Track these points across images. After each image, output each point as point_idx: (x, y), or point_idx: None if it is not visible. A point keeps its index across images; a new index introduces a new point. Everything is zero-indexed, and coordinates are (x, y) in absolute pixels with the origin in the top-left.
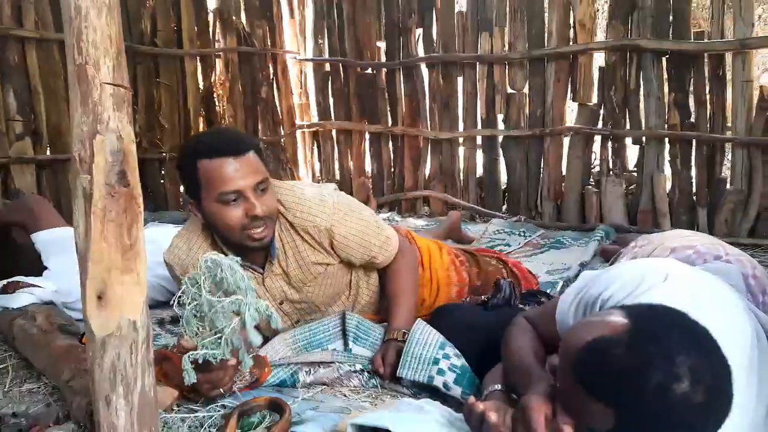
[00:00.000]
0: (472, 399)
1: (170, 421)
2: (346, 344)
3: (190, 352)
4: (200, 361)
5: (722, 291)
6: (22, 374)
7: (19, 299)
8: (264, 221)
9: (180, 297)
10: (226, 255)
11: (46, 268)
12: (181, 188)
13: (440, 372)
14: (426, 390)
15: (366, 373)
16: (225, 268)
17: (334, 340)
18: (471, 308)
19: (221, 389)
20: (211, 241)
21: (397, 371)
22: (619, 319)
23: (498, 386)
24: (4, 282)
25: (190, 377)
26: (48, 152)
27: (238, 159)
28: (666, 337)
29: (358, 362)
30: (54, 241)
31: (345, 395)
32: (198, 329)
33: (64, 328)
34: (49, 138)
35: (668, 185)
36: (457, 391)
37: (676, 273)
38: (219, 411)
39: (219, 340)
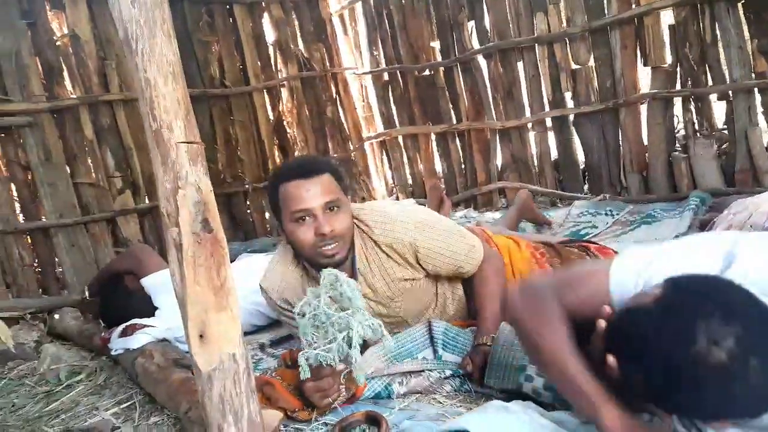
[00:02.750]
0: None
1: None
2: (435, 351)
3: (305, 350)
4: (312, 363)
5: None
6: (148, 408)
7: (138, 340)
8: (335, 240)
9: (301, 306)
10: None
11: (156, 308)
12: (267, 215)
13: (528, 378)
14: (520, 396)
15: (457, 379)
16: (343, 282)
17: (423, 348)
18: None
19: (329, 398)
20: (302, 265)
21: (485, 379)
22: (654, 291)
23: None
24: (124, 326)
25: (305, 373)
26: (146, 200)
27: (310, 180)
28: (689, 305)
29: (448, 368)
30: (161, 283)
31: (440, 402)
32: (313, 338)
33: (179, 363)
34: (145, 188)
35: (765, 139)
36: (548, 396)
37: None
38: (322, 429)
39: (331, 346)
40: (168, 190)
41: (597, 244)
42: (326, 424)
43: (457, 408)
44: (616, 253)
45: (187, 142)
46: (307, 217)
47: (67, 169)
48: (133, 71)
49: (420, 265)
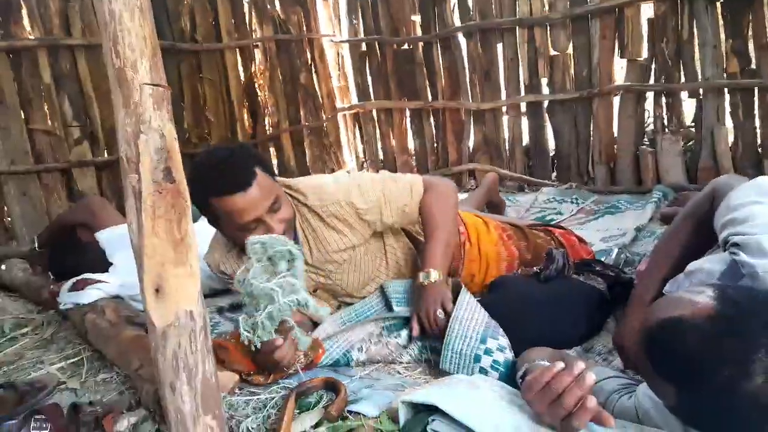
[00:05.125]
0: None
1: (235, 403)
2: (390, 309)
3: (243, 322)
4: (247, 344)
5: None
6: (96, 365)
7: (89, 295)
8: (284, 232)
9: (236, 278)
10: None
11: (111, 264)
12: None
13: (482, 371)
14: None
15: (415, 347)
16: (275, 243)
17: (379, 312)
18: (525, 280)
19: (284, 367)
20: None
21: (440, 365)
22: (706, 300)
23: (544, 361)
24: (74, 280)
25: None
26: (105, 154)
27: (247, 192)
28: (750, 331)
29: (401, 316)
30: (116, 238)
31: (399, 372)
32: (253, 309)
33: (131, 320)
34: (105, 140)
35: (731, 139)
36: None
37: None
38: (279, 393)
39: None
40: (129, 134)
41: (563, 228)
42: (285, 388)
43: (415, 379)
44: (579, 239)
45: (153, 84)
46: (253, 224)
47: (22, 114)
48: (97, 3)
49: (365, 221)
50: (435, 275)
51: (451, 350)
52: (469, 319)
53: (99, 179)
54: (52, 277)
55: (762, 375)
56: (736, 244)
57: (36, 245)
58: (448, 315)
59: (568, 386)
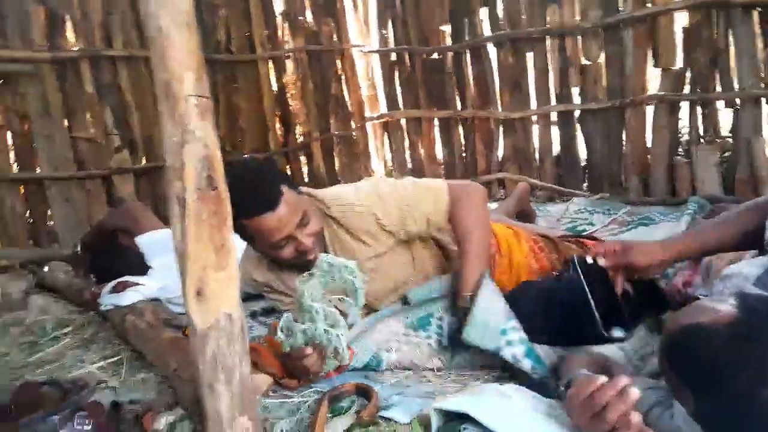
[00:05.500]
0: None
1: (270, 405)
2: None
3: (280, 324)
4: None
5: None
6: (135, 365)
7: (128, 297)
8: (313, 245)
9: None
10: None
11: (150, 267)
12: None
13: (509, 343)
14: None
15: (446, 354)
16: (341, 267)
17: (397, 309)
18: (544, 281)
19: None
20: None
21: (463, 335)
22: (728, 308)
23: (584, 371)
24: (115, 282)
25: (285, 346)
26: (144, 161)
27: (276, 211)
28: (767, 337)
29: (422, 310)
30: (155, 243)
31: (430, 381)
32: (301, 318)
33: (169, 322)
34: (143, 148)
35: None
36: (526, 364)
37: None
38: (312, 396)
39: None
40: (174, 143)
41: (596, 239)
42: (317, 392)
43: (446, 387)
44: None
45: (197, 96)
46: (284, 240)
47: (65, 122)
48: (146, 18)
49: (388, 231)
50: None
51: (477, 321)
52: (494, 299)
53: (137, 185)
54: (93, 279)
55: None
56: None
57: (79, 249)
58: None
59: (611, 400)
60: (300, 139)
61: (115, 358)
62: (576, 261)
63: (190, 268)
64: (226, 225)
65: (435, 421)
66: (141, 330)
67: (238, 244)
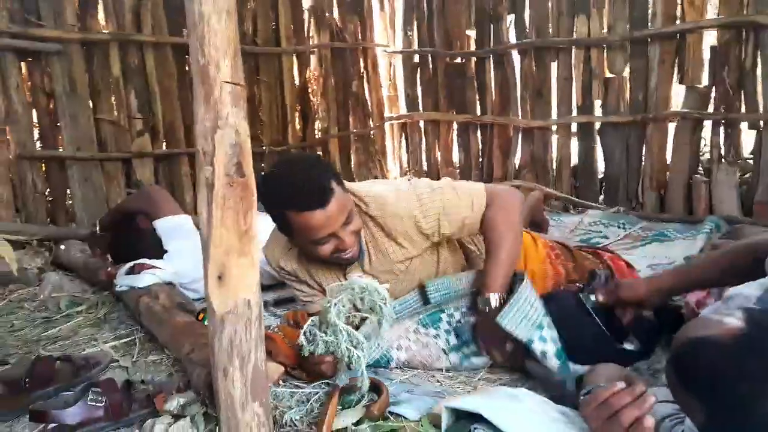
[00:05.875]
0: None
1: (280, 394)
2: (426, 303)
3: (305, 329)
4: (311, 347)
5: None
6: (148, 347)
7: (144, 279)
8: (353, 244)
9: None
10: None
11: (166, 251)
12: None
13: (542, 339)
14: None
15: (456, 353)
16: (372, 292)
17: (415, 307)
18: (567, 295)
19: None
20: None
21: (498, 317)
22: (735, 322)
23: (603, 384)
24: (132, 264)
25: (306, 350)
26: (164, 147)
27: (326, 209)
28: None
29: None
30: (173, 227)
31: (439, 381)
32: (323, 331)
33: (183, 307)
34: (164, 134)
35: None
36: (554, 363)
37: None
38: (323, 388)
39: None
40: (207, 128)
41: (611, 252)
42: (329, 384)
43: (455, 388)
44: (627, 264)
45: (232, 83)
46: (327, 238)
47: (90, 103)
48: (188, 3)
49: (425, 234)
50: (494, 301)
51: (516, 309)
52: (534, 296)
53: (156, 170)
54: (110, 259)
55: None
56: None
57: (97, 228)
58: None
59: (626, 404)
60: (318, 134)
61: (128, 339)
62: (583, 298)
63: (213, 252)
64: (251, 211)
65: (445, 419)
66: (155, 312)
67: (263, 227)
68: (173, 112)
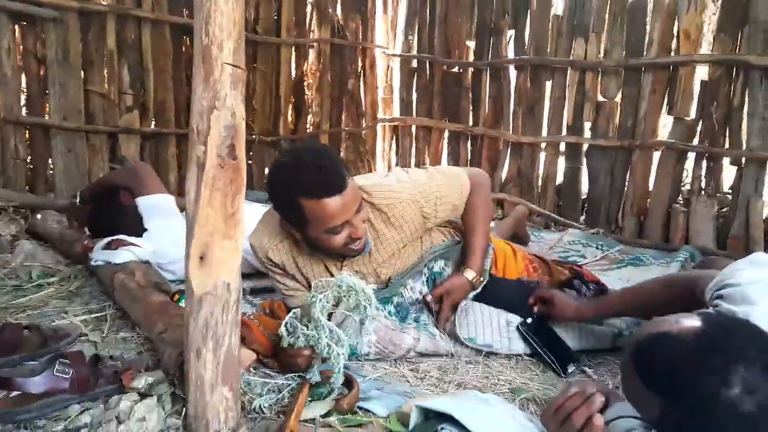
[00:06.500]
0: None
1: (252, 382)
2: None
3: (287, 320)
4: (290, 338)
5: None
6: (119, 324)
7: (121, 255)
8: (363, 234)
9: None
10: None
11: (146, 230)
12: (267, 170)
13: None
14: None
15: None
16: (359, 291)
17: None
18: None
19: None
20: (291, 238)
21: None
22: (694, 321)
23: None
24: (110, 239)
25: (285, 341)
26: (153, 125)
27: (342, 195)
28: (732, 345)
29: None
30: (156, 206)
31: (409, 381)
32: (304, 324)
33: (159, 286)
34: (154, 112)
35: (766, 212)
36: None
37: None
38: (295, 380)
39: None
40: (204, 107)
41: (586, 270)
42: (300, 375)
43: (425, 390)
44: (602, 284)
45: (233, 65)
46: (341, 226)
47: (82, 73)
48: None
49: (425, 218)
50: (471, 275)
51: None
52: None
53: (142, 148)
54: (87, 232)
55: (740, 386)
56: (720, 296)
57: (78, 200)
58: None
59: (578, 406)
60: (309, 129)
61: (99, 315)
62: (521, 327)
63: (198, 232)
64: (239, 195)
65: (414, 418)
66: (130, 289)
67: (249, 215)
68: (165, 92)
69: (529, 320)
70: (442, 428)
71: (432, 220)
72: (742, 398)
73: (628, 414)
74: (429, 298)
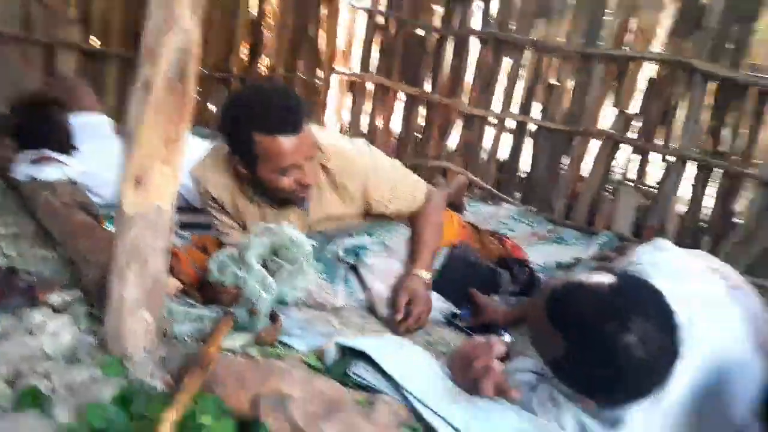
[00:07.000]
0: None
1: (175, 310)
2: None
3: (216, 255)
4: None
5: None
6: (38, 241)
7: (48, 172)
8: (311, 184)
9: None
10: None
11: (76, 149)
12: (209, 106)
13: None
14: None
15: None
16: (297, 244)
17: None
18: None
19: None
20: (235, 175)
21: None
22: (608, 277)
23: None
24: (36, 155)
25: (212, 275)
26: (97, 45)
27: (298, 135)
28: (636, 301)
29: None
30: (90, 126)
31: (333, 325)
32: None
33: (85, 207)
34: (98, 30)
35: (683, 209)
36: None
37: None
38: (219, 312)
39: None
40: (158, 26)
41: (513, 242)
42: (225, 310)
43: (348, 333)
44: (524, 255)
45: None
46: (291, 168)
47: None
48: None
49: (369, 203)
50: (424, 274)
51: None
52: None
53: (82, 66)
54: (10, 143)
55: (637, 334)
56: None
57: (7, 110)
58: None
59: (480, 354)
60: (263, 70)
61: (16, 230)
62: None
63: (137, 154)
64: (184, 124)
65: (331, 354)
66: (54, 208)
67: (193, 149)
68: (112, 10)
69: (460, 312)
70: (354, 363)
71: (372, 209)
72: (637, 345)
73: (527, 368)
74: (398, 313)
